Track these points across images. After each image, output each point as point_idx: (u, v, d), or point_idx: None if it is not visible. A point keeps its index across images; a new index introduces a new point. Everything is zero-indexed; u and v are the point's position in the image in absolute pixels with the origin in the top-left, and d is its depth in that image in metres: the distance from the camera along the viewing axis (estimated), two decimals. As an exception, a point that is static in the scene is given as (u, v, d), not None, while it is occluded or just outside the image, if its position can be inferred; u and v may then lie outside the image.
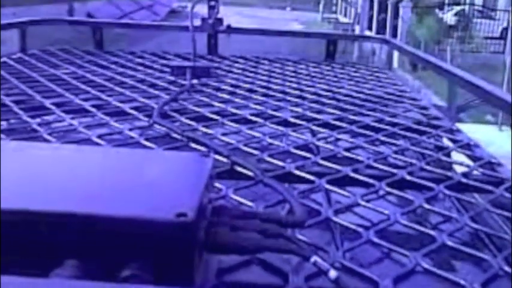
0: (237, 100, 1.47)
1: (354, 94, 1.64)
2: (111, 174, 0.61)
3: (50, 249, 0.51)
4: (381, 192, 0.93)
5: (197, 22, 2.06)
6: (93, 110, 1.30)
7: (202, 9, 2.16)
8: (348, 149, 1.13)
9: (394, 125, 1.33)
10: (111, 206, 0.52)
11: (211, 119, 1.28)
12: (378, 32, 15.27)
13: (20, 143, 0.84)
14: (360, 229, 0.76)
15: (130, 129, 1.15)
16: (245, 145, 1.09)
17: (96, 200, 0.54)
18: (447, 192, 0.94)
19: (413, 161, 1.07)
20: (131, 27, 2.69)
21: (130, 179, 0.59)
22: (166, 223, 0.49)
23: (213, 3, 2.14)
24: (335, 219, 0.80)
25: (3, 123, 1.19)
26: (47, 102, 1.35)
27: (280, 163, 1.00)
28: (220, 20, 2.18)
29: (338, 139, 1.21)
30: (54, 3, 12.82)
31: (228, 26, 2.20)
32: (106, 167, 0.63)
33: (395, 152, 1.13)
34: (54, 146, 0.90)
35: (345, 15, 23.19)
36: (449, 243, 0.74)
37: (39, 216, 0.51)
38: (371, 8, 16.24)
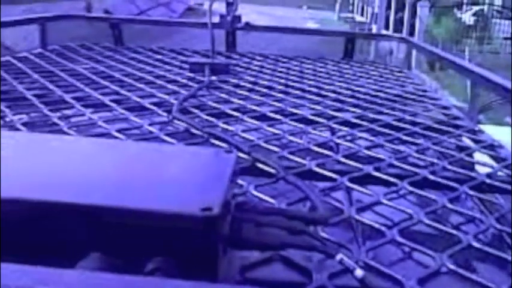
0: (256, 97, 1.47)
1: (373, 93, 1.63)
2: (135, 168, 0.60)
3: (76, 241, 0.51)
4: (403, 192, 0.92)
5: (215, 19, 2.06)
6: (113, 104, 1.30)
7: (221, 7, 2.16)
8: (368, 148, 1.12)
9: (414, 124, 1.31)
10: (136, 200, 0.52)
11: (231, 116, 1.27)
12: (395, 32, 15.16)
13: (43, 135, 0.84)
14: (383, 228, 0.75)
15: (150, 124, 1.15)
16: (265, 142, 1.08)
17: (121, 193, 0.53)
18: (471, 192, 0.92)
19: (435, 161, 1.06)
20: (150, 23, 2.70)
21: (154, 173, 0.58)
22: (192, 217, 0.49)
23: (231, 0, 2.13)
24: (357, 217, 0.79)
25: (24, 116, 1.20)
26: (67, 97, 1.35)
27: (301, 160, 0.99)
28: (238, 17, 2.17)
29: (358, 137, 1.20)
30: (71, 1, 12.91)
31: (247, 24, 2.19)
32: (130, 161, 0.62)
33: (417, 151, 1.11)
34: (76, 139, 0.90)
35: (362, 14, 23.06)
36: (475, 244, 0.72)
37: (64, 208, 0.51)
38: (388, 7, 16.13)
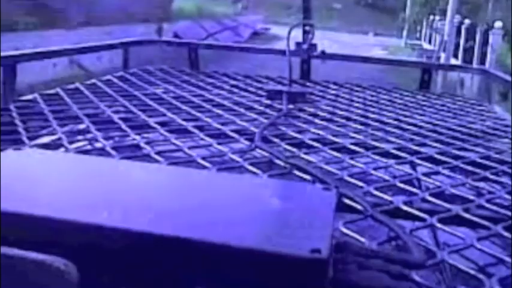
0: (334, 127, 1.46)
1: (455, 127, 1.58)
2: (235, 201, 0.61)
3: (180, 276, 0.51)
4: (496, 236, 0.88)
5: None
6: (196, 131, 1.33)
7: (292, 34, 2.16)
8: (454, 186, 1.08)
9: (502, 162, 1.27)
10: (240, 236, 0.52)
11: (311, 146, 1.27)
12: (464, 60, 14.80)
13: (138, 164, 0.87)
14: (480, 275, 0.72)
15: (233, 153, 1.16)
16: (349, 176, 1.07)
17: (225, 228, 0.54)
18: None
19: None
20: (228, 49, 2.75)
21: (255, 208, 0.58)
22: (300, 259, 0.48)
23: (308, 28, 2.15)
24: (451, 261, 0.76)
25: (110, 140, 1.24)
26: (151, 121, 1.39)
27: (387, 197, 0.97)
28: (314, 46, 2.18)
29: (443, 174, 1.17)
30: (145, 24, 13.39)
31: (323, 52, 2.20)
32: (229, 194, 0.63)
33: (508, 193, 1.07)
34: (167, 168, 0.92)
35: (429, 41, 22.67)
36: None
37: (169, 241, 0.52)
38: (458, 35, 15.79)
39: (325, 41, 2.17)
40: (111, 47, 2.33)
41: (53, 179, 0.66)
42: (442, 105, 1.94)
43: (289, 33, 1.87)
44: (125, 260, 0.52)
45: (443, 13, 17.80)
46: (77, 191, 0.62)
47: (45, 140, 1.26)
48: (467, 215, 0.93)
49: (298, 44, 2.17)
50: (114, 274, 0.50)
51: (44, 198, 0.58)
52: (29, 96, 1.62)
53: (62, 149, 1.17)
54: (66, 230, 0.51)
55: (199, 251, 0.51)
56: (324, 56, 2.20)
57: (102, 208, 0.54)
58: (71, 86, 1.79)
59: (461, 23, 15.79)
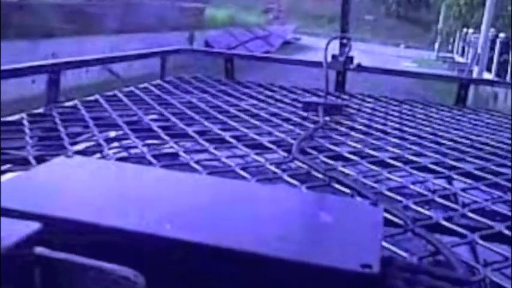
0: (371, 141, 1.46)
1: (493, 143, 1.57)
2: (284, 214, 0.61)
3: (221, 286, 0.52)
4: None
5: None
6: (233, 141, 1.34)
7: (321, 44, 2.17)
8: (494, 203, 1.07)
9: None
10: (291, 249, 0.53)
11: (348, 159, 1.27)
12: (497, 74, 14.57)
13: (174, 173, 0.88)
14: None
15: (271, 164, 1.17)
16: (388, 190, 1.07)
17: (274, 241, 0.54)
18: None
19: None
20: (263, 60, 2.77)
21: (305, 221, 0.59)
22: (352, 274, 0.49)
23: (345, 41, 2.15)
24: (494, 278, 0.76)
25: (146, 148, 1.26)
26: (189, 130, 1.41)
27: (426, 212, 0.97)
28: (350, 58, 2.18)
29: (481, 190, 1.16)
30: (176, 31, 13.55)
31: (359, 65, 2.20)
32: (277, 206, 0.64)
33: None
34: (204, 178, 0.93)
35: (462, 54, 22.40)
36: None
37: (217, 252, 0.52)
38: (491, 48, 15.56)
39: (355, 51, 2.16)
40: (149, 55, 2.37)
41: (101, 187, 0.68)
42: (480, 121, 1.91)
43: (327, 45, 1.88)
44: (174, 269, 0.53)
45: (478, 26, 17.58)
46: (124, 199, 0.64)
47: (85, 145, 1.29)
48: (509, 233, 0.92)
49: (334, 56, 2.17)
50: (162, 284, 0.51)
51: (92, 205, 0.60)
52: (70, 103, 1.65)
53: (101, 155, 1.19)
54: (113, 237, 0.52)
55: (248, 263, 0.51)
56: (360, 68, 2.20)
57: (151, 217, 0.56)
58: (109, 93, 1.82)
59: (496, 36, 15.56)
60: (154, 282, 0.51)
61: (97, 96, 1.75)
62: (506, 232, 0.92)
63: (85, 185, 0.66)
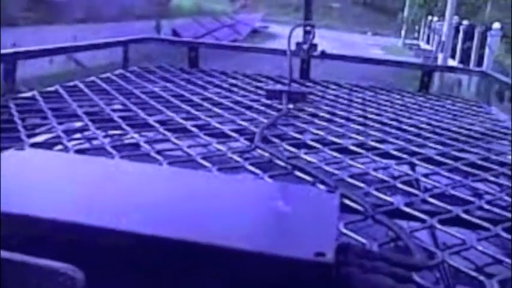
0: (334, 128, 1.46)
1: (455, 129, 1.59)
2: (240, 204, 0.61)
3: (183, 280, 0.51)
4: (496, 237, 0.88)
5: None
6: (195, 130, 1.33)
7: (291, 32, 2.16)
8: (454, 187, 1.09)
9: (502, 164, 1.27)
10: (244, 239, 0.52)
11: (311, 147, 1.27)
12: (461, 61, 14.83)
13: (142, 165, 0.86)
14: (481, 277, 0.72)
15: (233, 152, 1.16)
16: (350, 177, 1.07)
17: (228, 231, 0.54)
18: None
19: None
20: (228, 48, 2.75)
21: (259, 210, 0.58)
22: (305, 262, 0.48)
23: (309, 28, 2.14)
24: (451, 262, 0.76)
25: (108, 138, 1.24)
26: (151, 119, 1.39)
27: (387, 198, 0.97)
28: (314, 46, 2.18)
29: (442, 176, 1.17)
30: (142, 20, 13.37)
31: (322, 52, 2.20)
32: (234, 196, 0.63)
33: (507, 195, 1.07)
34: (167, 169, 0.92)
35: (427, 42, 22.72)
36: None
37: (168, 244, 0.51)
38: (456, 36, 15.82)
39: (318, 39, 2.16)
40: (111, 44, 2.32)
41: (56, 180, 0.66)
42: (442, 107, 1.94)
43: (291, 33, 1.86)
44: (129, 264, 0.52)
45: (442, 14, 17.83)
46: (79, 193, 0.62)
47: (44, 137, 1.25)
48: (467, 216, 0.93)
49: (298, 44, 2.16)
50: (117, 278, 0.50)
51: (46, 199, 0.58)
52: (28, 94, 1.61)
53: (61, 147, 1.16)
54: (69, 232, 0.51)
55: (205, 255, 0.51)
56: (323, 56, 2.20)
57: (107, 211, 0.54)
58: (70, 84, 1.78)
59: (459, 24, 15.82)
60: (109, 277, 0.50)
61: (57, 87, 1.71)
62: (464, 216, 0.93)
63: (35, 178, 0.64)
